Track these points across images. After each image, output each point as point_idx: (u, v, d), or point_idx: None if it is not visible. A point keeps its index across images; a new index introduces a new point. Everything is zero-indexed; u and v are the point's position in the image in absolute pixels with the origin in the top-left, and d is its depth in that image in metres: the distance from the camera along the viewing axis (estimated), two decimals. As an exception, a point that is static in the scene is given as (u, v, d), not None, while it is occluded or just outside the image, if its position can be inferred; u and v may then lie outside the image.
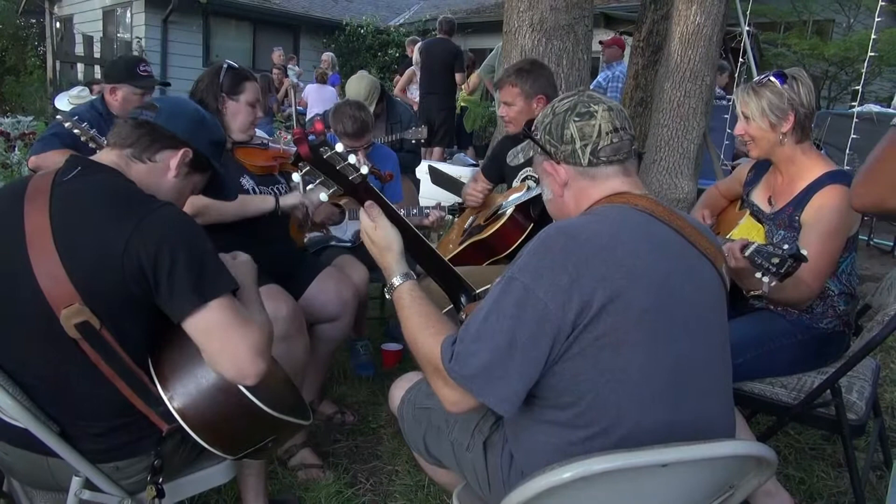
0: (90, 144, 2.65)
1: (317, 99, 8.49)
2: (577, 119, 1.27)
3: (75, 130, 2.65)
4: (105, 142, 2.55)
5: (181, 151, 1.49)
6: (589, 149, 1.27)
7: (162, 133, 1.47)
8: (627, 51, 6.45)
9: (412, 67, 7.96)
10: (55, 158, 2.61)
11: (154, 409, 1.37)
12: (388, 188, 2.89)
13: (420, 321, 1.30)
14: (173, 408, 1.35)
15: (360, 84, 3.90)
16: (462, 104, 8.32)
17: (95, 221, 1.30)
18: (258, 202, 2.23)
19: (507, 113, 2.59)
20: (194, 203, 2.00)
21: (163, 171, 1.48)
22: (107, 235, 1.28)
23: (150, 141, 1.46)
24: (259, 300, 1.50)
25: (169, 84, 4.00)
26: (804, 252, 1.55)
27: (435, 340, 1.22)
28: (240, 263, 1.57)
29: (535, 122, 1.36)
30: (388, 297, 1.40)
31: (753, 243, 1.61)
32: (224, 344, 1.30)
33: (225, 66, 2.25)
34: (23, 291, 1.29)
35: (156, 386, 1.36)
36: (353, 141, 2.80)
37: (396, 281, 1.38)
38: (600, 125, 1.26)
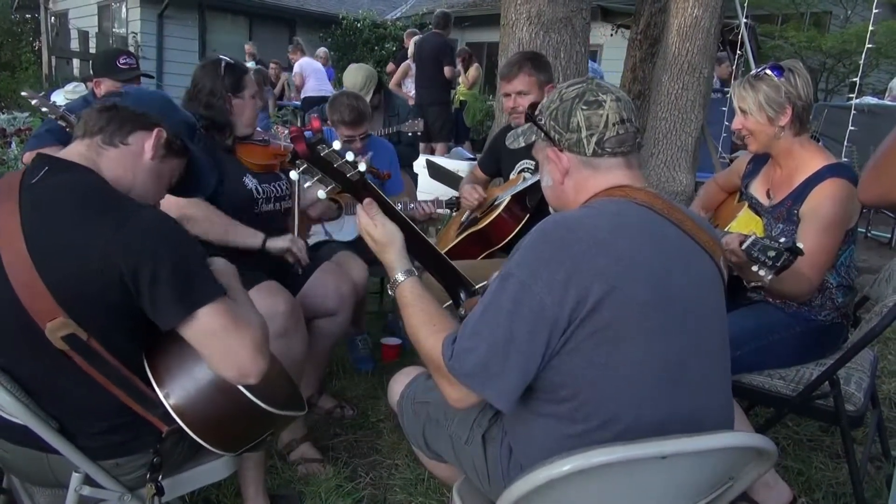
0: (60, 122, 2.59)
1: (310, 71, 8.70)
2: (584, 107, 1.25)
3: (43, 108, 2.60)
4: (75, 118, 2.54)
5: (155, 131, 1.43)
6: (594, 139, 1.25)
7: (132, 112, 1.41)
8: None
9: (407, 61, 7.94)
10: None
11: (151, 412, 1.35)
12: (388, 183, 2.89)
13: (422, 319, 1.29)
14: (170, 405, 1.33)
15: (356, 74, 3.86)
16: (461, 98, 8.29)
17: (69, 230, 1.24)
18: (246, 235, 2.15)
19: (521, 103, 2.51)
20: (183, 211, 1.97)
21: (137, 155, 1.41)
22: (82, 245, 1.22)
23: (120, 122, 1.39)
24: (248, 300, 1.46)
25: (152, 76, 3.99)
26: (800, 246, 1.55)
27: (436, 339, 1.22)
28: (217, 269, 1.49)
29: (541, 106, 1.34)
30: (390, 293, 1.39)
31: (750, 236, 1.61)
32: (222, 348, 1.28)
33: (223, 63, 2.22)
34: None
35: (152, 388, 1.33)
36: (350, 129, 2.79)
37: (399, 277, 1.37)
38: (608, 115, 1.24)
